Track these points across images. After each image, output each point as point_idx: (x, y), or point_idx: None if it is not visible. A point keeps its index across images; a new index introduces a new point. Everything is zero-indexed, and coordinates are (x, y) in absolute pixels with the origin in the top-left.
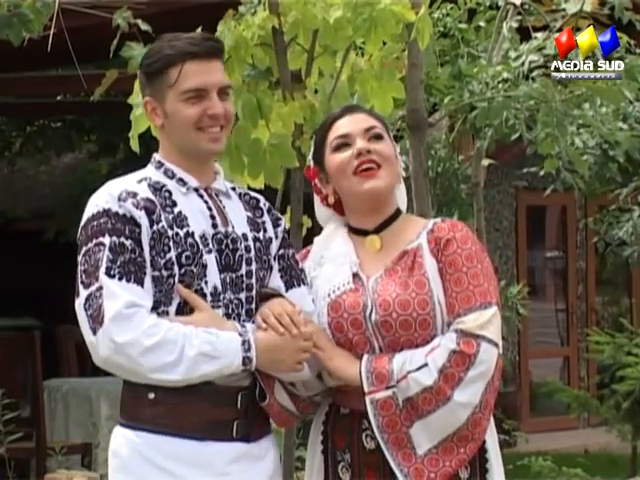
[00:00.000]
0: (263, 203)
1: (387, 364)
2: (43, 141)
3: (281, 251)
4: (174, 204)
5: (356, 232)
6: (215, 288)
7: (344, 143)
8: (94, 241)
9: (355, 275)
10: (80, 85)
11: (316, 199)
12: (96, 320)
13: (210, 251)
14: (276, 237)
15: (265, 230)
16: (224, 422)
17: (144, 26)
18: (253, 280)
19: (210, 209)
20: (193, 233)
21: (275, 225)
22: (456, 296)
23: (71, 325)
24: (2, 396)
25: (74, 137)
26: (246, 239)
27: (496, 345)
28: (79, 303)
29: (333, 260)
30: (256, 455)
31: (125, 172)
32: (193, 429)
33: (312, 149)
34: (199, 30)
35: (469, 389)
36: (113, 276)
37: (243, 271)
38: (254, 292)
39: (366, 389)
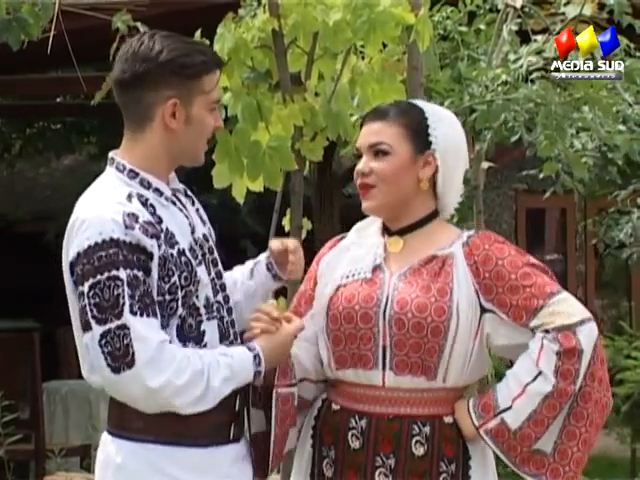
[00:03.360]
0: (188, 190)
1: (490, 394)
2: (43, 143)
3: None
4: (160, 220)
5: (384, 229)
6: (207, 299)
7: (359, 155)
8: (106, 274)
9: (377, 268)
10: (80, 87)
11: None
12: (120, 360)
13: (200, 262)
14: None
15: (206, 222)
16: (223, 425)
17: (143, 29)
18: (223, 279)
19: (187, 217)
20: (184, 250)
21: (204, 211)
22: (517, 304)
23: (71, 327)
24: (1, 398)
25: (74, 139)
26: (207, 240)
27: (589, 319)
28: (92, 338)
29: (361, 246)
30: (244, 454)
31: None
32: (200, 436)
33: None
34: (198, 33)
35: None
36: (135, 313)
37: (213, 273)
38: (227, 290)
39: (477, 423)
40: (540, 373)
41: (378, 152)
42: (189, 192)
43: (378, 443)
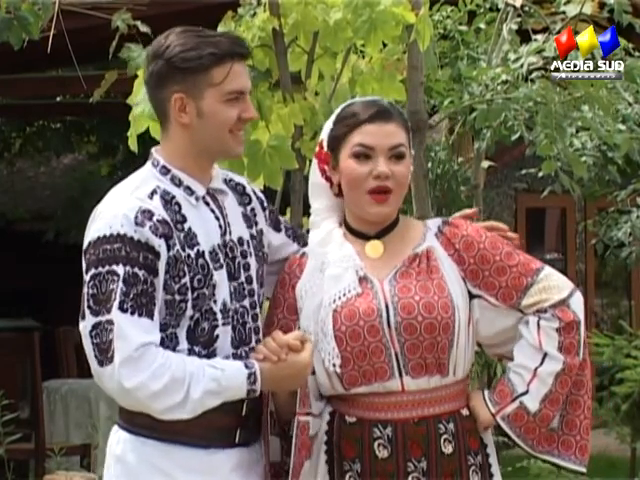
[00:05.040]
0: (248, 187)
1: (504, 381)
2: (43, 142)
3: (273, 221)
4: (184, 219)
5: (354, 233)
6: (224, 304)
7: (366, 154)
8: (106, 268)
9: (362, 279)
10: (80, 86)
11: (316, 169)
12: (104, 354)
13: (221, 266)
14: (266, 221)
15: (257, 223)
16: (228, 429)
17: (143, 28)
18: (254, 285)
19: (218, 219)
20: (203, 252)
21: (263, 209)
22: (506, 284)
23: (70, 326)
24: (1, 397)
25: (74, 138)
26: (242, 243)
27: (574, 289)
28: (84, 327)
29: (336, 264)
30: (253, 460)
31: (125, 174)
32: (201, 437)
33: (329, 131)
34: None
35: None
36: (125, 310)
37: (242, 278)
38: (256, 296)
39: (493, 410)
40: (546, 354)
41: (396, 154)
42: (248, 189)
43: (407, 449)
